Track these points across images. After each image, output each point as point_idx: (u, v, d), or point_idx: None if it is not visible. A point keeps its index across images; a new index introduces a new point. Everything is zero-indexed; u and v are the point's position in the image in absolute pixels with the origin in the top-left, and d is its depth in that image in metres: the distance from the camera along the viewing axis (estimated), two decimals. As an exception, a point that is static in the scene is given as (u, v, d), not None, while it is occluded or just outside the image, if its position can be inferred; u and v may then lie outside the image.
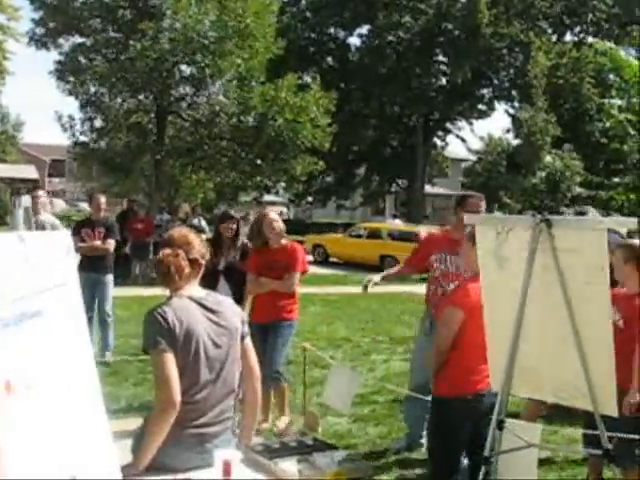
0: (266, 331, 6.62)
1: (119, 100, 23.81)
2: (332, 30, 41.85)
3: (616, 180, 28.98)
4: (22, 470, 2.17)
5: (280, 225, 6.75)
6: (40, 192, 9.59)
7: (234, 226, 7.39)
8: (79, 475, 2.47)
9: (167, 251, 3.59)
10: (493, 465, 3.90)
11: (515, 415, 6.75)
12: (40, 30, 23.80)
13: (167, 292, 3.65)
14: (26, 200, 2.74)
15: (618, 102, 31.38)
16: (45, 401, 2.39)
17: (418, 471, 5.92)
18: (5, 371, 2.15)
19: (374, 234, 25.04)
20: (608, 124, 28.77)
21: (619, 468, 4.60)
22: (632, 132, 26.80)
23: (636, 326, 4.92)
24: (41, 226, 8.45)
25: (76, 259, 8.94)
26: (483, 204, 6.43)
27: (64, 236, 2.85)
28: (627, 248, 5.12)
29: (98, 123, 24.28)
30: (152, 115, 23.98)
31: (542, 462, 5.55)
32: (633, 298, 5.03)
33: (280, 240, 6.72)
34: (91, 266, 8.97)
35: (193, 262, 3.63)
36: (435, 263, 6.04)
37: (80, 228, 9.34)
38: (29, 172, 51.97)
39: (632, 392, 4.81)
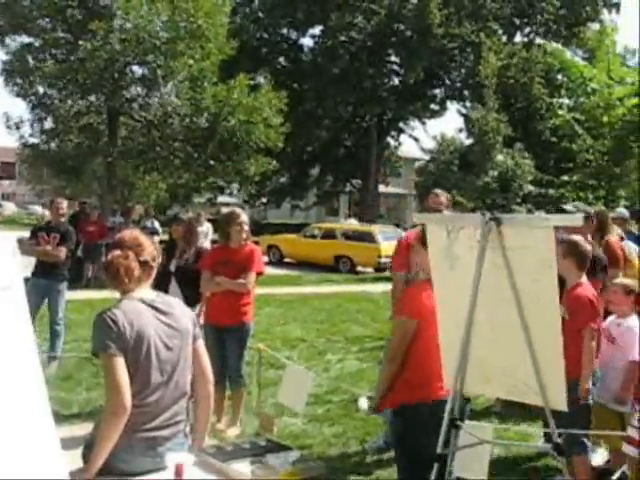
0: (221, 332, 6.63)
1: (69, 101, 23.43)
2: (285, 30, 41.82)
3: (565, 178, 29.37)
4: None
5: (247, 229, 6.79)
6: None
7: (181, 228, 7.37)
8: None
9: (117, 253, 3.55)
10: (447, 463, 3.92)
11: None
12: (-15, 28, 23.35)
13: (118, 295, 3.61)
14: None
15: (566, 101, 31.84)
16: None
17: (377, 472, 5.94)
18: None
19: (328, 234, 25.12)
20: (557, 123, 29.15)
21: (566, 458, 4.69)
22: (580, 131, 27.19)
23: (579, 316, 5.13)
24: None
25: (30, 262, 8.82)
26: (443, 198, 6.50)
27: (8, 240, 2.80)
28: (567, 244, 5.33)
29: (48, 125, 23.89)
30: (103, 116, 23.65)
31: (496, 459, 5.62)
32: (573, 289, 5.26)
33: (241, 241, 6.74)
34: (42, 272, 8.84)
35: (144, 264, 3.59)
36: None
37: (37, 231, 9.21)
38: (-23, 175, 51.09)
39: (584, 378, 5.01)
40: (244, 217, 6.83)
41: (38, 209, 50.83)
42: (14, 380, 2.53)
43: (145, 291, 3.62)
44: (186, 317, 3.71)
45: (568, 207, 8.15)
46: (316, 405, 7.63)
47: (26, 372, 2.62)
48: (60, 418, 5.55)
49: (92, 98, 23.11)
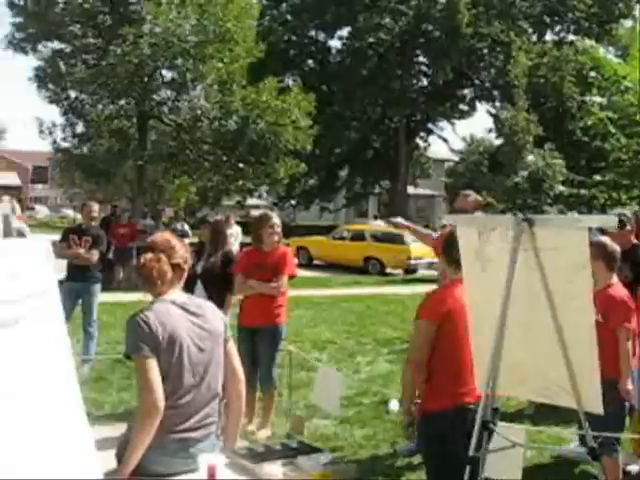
0: (254, 334, 6.66)
1: (100, 106, 23.67)
2: (313, 33, 41.87)
3: (598, 178, 28.99)
4: None
5: (279, 231, 6.79)
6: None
7: (208, 231, 7.41)
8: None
9: (149, 256, 3.57)
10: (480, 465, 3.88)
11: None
12: (19, 34, 23.70)
13: (150, 297, 3.64)
14: (4, 207, 2.72)
15: (599, 100, 31.42)
16: (24, 411, 2.37)
17: (408, 475, 5.92)
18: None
19: (357, 236, 25.09)
20: (589, 122, 28.75)
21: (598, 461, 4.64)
22: (613, 130, 26.81)
23: (613, 317, 5.09)
24: None
25: (63, 264, 8.88)
26: (471, 199, 6.47)
27: (43, 242, 2.82)
28: (595, 246, 5.26)
29: (79, 129, 24.15)
30: (134, 120, 23.86)
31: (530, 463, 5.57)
32: (603, 291, 5.22)
33: (273, 244, 6.75)
34: (74, 275, 8.91)
35: (175, 267, 3.61)
36: None
37: (68, 234, 9.28)
38: (11, 179, 51.77)
39: (623, 379, 5.00)
40: (276, 220, 6.83)
41: (70, 212, 51.33)
42: (50, 382, 2.56)
43: (176, 293, 3.64)
44: (217, 319, 3.72)
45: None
46: (347, 407, 7.60)
47: (61, 374, 2.64)
48: (92, 419, 5.58)
49: (122, 102, 23.34)
